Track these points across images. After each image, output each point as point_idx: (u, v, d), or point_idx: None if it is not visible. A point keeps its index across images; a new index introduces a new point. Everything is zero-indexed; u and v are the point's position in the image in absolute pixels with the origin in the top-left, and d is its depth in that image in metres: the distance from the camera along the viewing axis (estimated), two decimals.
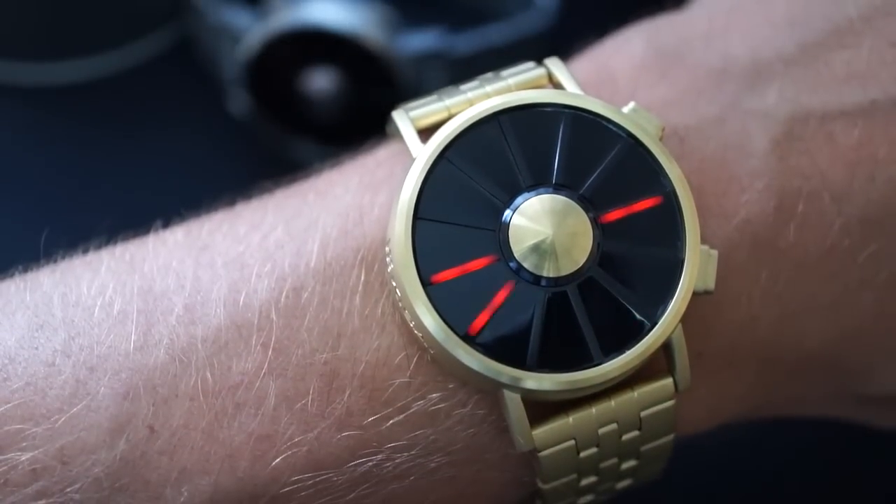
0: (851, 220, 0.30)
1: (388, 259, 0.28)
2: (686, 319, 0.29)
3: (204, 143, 0.51)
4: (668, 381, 0.29)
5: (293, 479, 0.28)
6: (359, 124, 0.48)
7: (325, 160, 0.33)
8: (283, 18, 0.46)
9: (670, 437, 0.30)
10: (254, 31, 0.47)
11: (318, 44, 0.47)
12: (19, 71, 0.51)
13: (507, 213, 0.28)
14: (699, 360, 0.30)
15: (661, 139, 0.29)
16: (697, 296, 0.29)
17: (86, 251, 0.31)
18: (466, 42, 0.47)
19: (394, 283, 0.28)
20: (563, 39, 0.35)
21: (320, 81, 0.48)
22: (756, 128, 0.30)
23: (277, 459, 0.28)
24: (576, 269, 0.28)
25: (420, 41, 0.47)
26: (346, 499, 0.29)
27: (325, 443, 0.28)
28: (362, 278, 0.29)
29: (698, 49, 0.32)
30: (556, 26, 0.48)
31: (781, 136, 0.30)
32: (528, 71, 0.31)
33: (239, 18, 0.48)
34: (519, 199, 0.28)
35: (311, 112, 0.49)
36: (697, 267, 0.28)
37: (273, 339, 0.28)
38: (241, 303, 0.29)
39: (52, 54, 0.51)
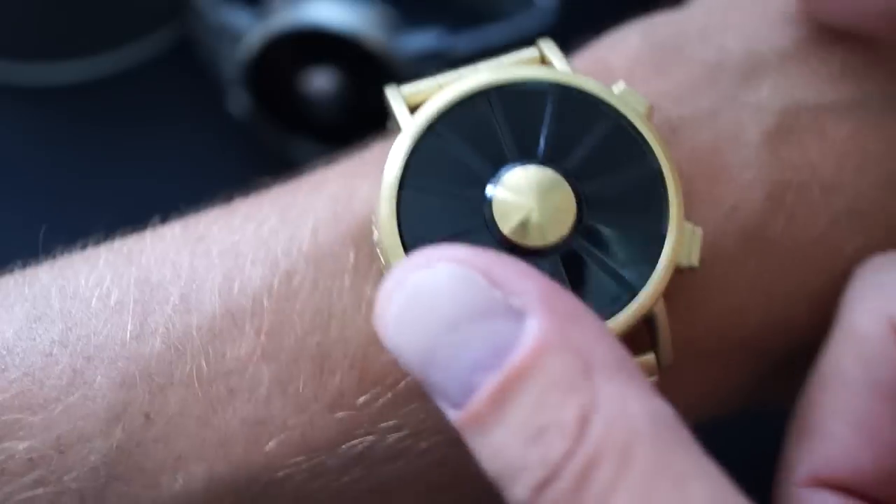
0: (840, 212, 0.30)
1: (374, 229, 0.29)
2: (673, 303, 0.29)
3: (204, 142, 0.51)
4: (651, 356, 0.29)
5: (287, 462, 0.28)
6: (359, 124, 0.48)
7: (324, 160, 0.33)
8: (283, 18, 0.47)
9: None
10: (254, 31, 0.47)
11: (318, 44, 0.47)
12: (19, 71, 0.51)
13: (492, 183, 0.28)
14: (687, 345, 0.30)
15: (649, 118, 0.30)
16: (682, 272, 0.29)
17: (84, 247, 0.31)
18: (466, 42, 0.47)
19: (379, 252, 0.28)
20: (563, 39, 0.35)
21: (320, 81, 0.48)
22: (749, 120, 0.31)
23: (271, 443, 0.28)
24: (558, 241, 0.28)
25: (420, 41, 0.47)
26: (339, 482, 0.29)
27: (317, 425, 0.29)
28: (352, 258, 0.29)
29: (694, 44, 0.32)
30: (556, 26, 0.48)
31: (773, 128, 0.31)
32: (520, 52, 0.31)
33: (239, 18, 0.48)
34: (504, 172, 0.29)
35: (311, 112, 0.49)
36: (680, 241, 0.29)
37: (266, 324, 0.29)
38: (235, 290, 0.29)
39: (52, 54, 0.51)
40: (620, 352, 0.24)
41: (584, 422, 0.23)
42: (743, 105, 0.31)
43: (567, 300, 0.24)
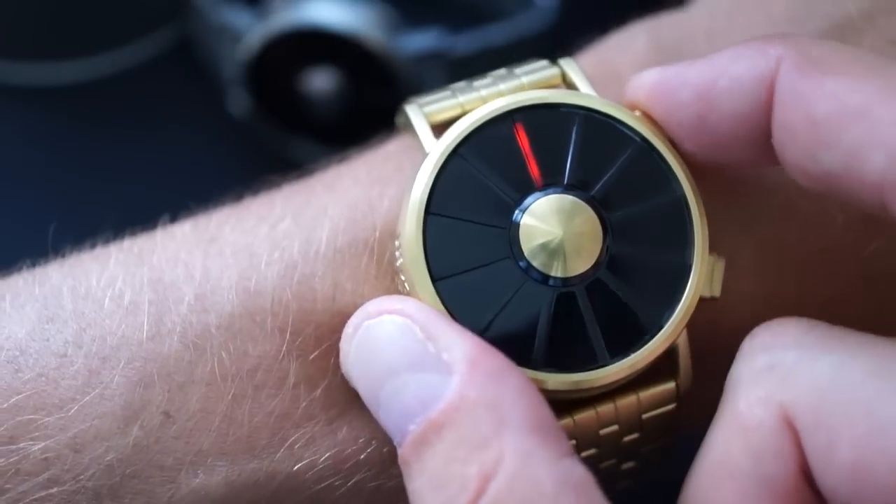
0: (853, 217, 0.30)
1: (397, 253, 0.29)
2: (691, 325, 0.29)
3: (204, 143, 0.51)
4: (671, 385, 0.29)
5: (309, 456, 0.29)
6: (359, 124, 0.48)
7: (325, 160, 0.33)
8: (283, 18, 0.47)
9: (670, 439, 0.30)
10: (254, 31, 0.47)
11: (318, 44, 0.47)
12: (19, 71, 0.51)
13: (518, 211, 0.28)
14: (703, 361, 0.30)
15: (673, 141, 0.30)
16: (703, 301, 0.29)
17: (93, 246, 0.31)
18: (466, 42, 0.47)
19: (403, 278, 0.28)
20: (564, 39, 0.35)
21: (320, 81, 0.48)
22: None
23: (295, 436, 0.28)
24: (584, 270, 0.28)
25: (420, 41, 0.47)
26: (358, 477, 0.29)
27: (342, 421, 0.29)
28: (373, 266, 0.29)
29: (700, 46, 0.32)
30: (557, 26, 0.48)
31: None
32: (541, 70, 0.31)
33: (239, 18, 0.48)
34: (530, 199, 0.28)
35: (311, 112, 0.49)
36: (705, 274, 0.29)
37: (290, 322, 0.29)
38: (252, 289, 0.29)
39: (52, 54, 0.51)
40: (540, 411, 0.25)
41: (486, 479, 0.24)
42: None
43: (494, 358, 0.26)
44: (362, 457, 0.29)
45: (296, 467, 0.29)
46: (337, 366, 0.29)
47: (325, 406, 0.29)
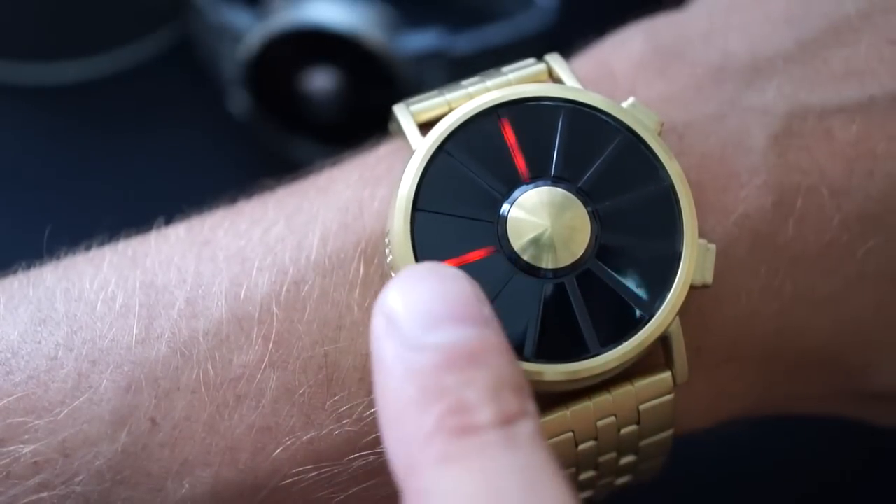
0: (850, 215, 0.30)
1: (387, 251, 0.29)
2: (685, 314, 0.29)
3: (204, 143, 0.51)
4: (667, 374, 0.29)
5: (294, 470, 0.28)
6: (359, 124, 0.48)
7: (324, 160, 0.33)
8: (283, 18, 0.46)
9: (669, 432, 0.30)
10: (254, 31, 0.47)
11: (318, 44, 0.47)
12: (19, 71, 0.51)
13: (506, 205, 0.28)
14: (698, 355, 0.30)
15: (659, 134, 0.30)
16: (695, 289, 0.29)
17: (88, 248, 0.31)
18: (466, 42, 0.47)
19: (393, 275, 0.28)
20: (564, 39, 0.35)
21: (320, 81, 0.48)
22: (755, 124, 0.31)
23: (278, 451, 0.28)
24: (574, 261, 0.28)
25: (420, 41, 0.47)
26: (346, 493, 0.29)
27: (325, 435, 0.28)
28: (362, 271, 0.29)
29: (697, 47, 0.32)
30: (556, 26, 0.48)
31: (780, 132, 0.30)
32: (528, 66, 0.31)
33: (239, 18, 0.48)
34: (517, 192, 0.29)
35: (311, 112, 0.49)
36: (695, 260, 0.29)
37: (274, 331, 0.29)
38: (242, 296, 0.29)
39: (52, 54, 0.51)
40: None
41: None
42: (749, 109, 0.31)
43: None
44: (348, 471, 0.29)
45: (281, 482, 0.28)
46: (319, 380, 0.29)
47: (305, 422, 0.28)
